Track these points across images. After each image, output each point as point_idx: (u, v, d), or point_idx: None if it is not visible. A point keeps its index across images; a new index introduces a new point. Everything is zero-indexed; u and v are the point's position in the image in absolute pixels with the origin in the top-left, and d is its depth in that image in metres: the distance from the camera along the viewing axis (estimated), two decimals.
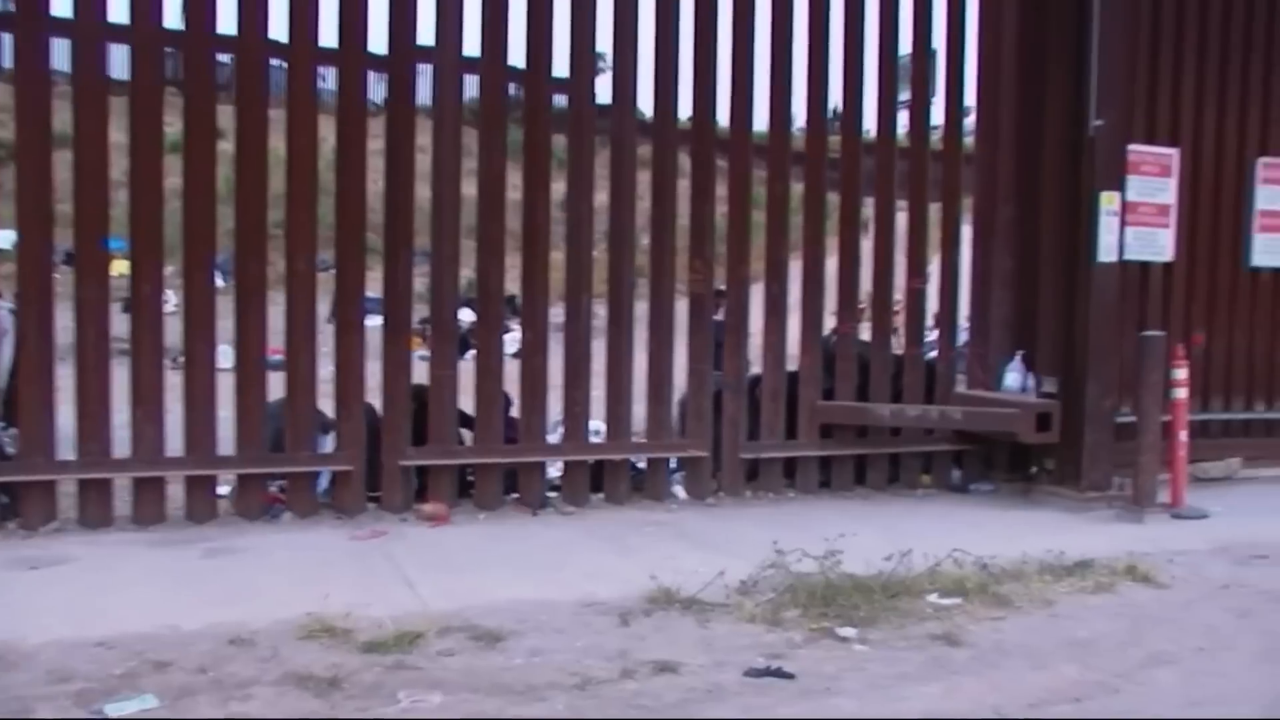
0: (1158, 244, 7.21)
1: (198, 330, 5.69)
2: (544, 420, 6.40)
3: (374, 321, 6.06)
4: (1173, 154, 7.24)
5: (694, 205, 6.68)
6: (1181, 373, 6.62)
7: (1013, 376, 7.12)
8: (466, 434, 6.34)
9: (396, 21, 5.96)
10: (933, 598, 4.63)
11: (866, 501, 6.88)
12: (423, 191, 6.13)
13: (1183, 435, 6.60)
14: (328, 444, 6.08)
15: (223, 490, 6.03)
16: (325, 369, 6.05)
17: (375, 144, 6.06)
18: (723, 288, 6.89)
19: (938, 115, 7.25)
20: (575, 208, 6.41)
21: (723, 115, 6.68)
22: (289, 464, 5.89)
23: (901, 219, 7.21)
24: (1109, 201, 6.65)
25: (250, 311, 5.79)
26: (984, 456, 7.29)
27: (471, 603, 4.47)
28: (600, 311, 6.64)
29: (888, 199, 7.10)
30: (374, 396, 6.10)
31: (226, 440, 5.85)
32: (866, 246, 7.00)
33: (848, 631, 4.22)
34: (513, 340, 6.64)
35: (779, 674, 3.71)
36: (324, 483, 6.11)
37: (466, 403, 6.29)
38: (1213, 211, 7.52)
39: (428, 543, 5.56)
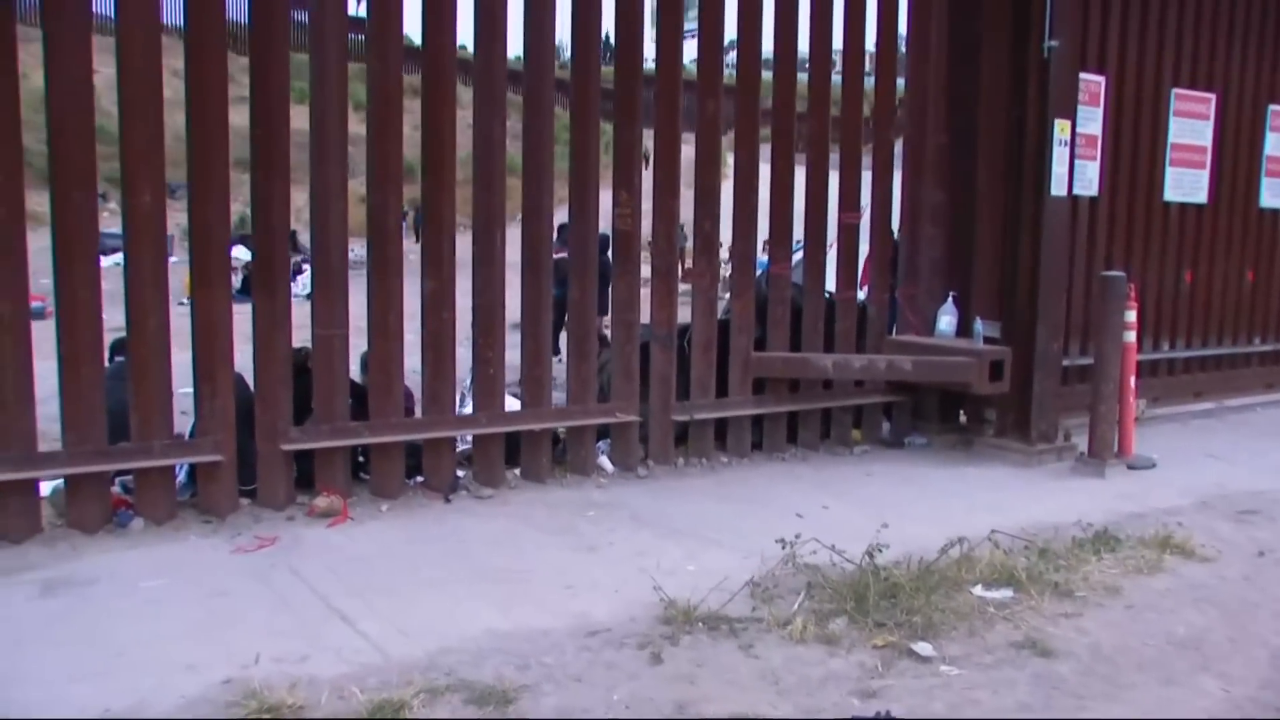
0: (1087, 177, 6.77)
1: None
2: (453, 387, 5.29)
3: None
4: (1101, 81, 6.80)
5: (618, 130, 5.67)
6: (1131, 315, 6.22)
7: (947, 320, 6.55)
8: None
9: None
10: (978, 590, 3.96)
11: (806, 463, 6.15)
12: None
13: (1133, 380, 6.22)
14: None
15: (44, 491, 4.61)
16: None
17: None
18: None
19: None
20: (485, 128, 5.27)
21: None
22: (140, 457, 4.53)
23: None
24: (1063, 130, 6.10)
25: (77, 259, 4.39)
26: (911, 408, 6.73)
27: (443, 644, 3.42)
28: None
29: (822, 124, 6.31)
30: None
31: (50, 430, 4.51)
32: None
33: (923, 648, 3.47)
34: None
35: None
36: (181, 476, 4.82)
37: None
38: (1133, 144, 7.17)
39: (335, 550, 4.38)
